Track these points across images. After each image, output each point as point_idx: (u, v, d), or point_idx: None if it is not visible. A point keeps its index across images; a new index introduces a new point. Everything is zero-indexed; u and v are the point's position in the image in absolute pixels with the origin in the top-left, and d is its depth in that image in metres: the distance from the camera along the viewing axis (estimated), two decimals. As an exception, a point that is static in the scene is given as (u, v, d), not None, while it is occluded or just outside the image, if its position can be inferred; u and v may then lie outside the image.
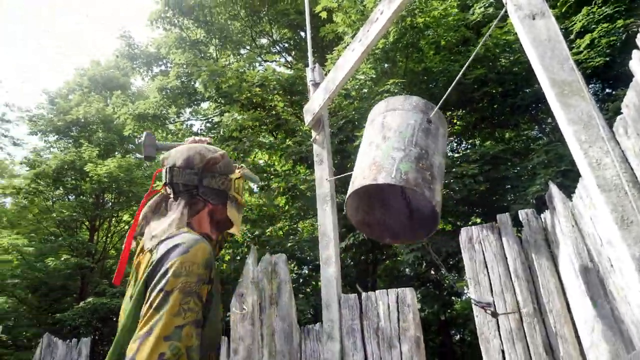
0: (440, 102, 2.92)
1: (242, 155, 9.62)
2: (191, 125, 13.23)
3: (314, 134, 4.11)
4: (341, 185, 9.00)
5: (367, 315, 3.59)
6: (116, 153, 18.62)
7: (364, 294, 3.67)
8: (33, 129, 20.37)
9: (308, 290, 11.25)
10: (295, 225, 11.44)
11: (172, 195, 1.55)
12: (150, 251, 1.37)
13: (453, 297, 8.27)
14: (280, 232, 10.41)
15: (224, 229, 1.64)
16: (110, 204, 19.05)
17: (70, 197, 19.17)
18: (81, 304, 15.13)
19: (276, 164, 10.23)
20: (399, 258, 9.74)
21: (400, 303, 3.53)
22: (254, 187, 11.05)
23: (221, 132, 10.86)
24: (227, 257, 10.05)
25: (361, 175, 2.67)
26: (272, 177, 10.15)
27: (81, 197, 18.38)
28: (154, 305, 1.19)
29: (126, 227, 20.07)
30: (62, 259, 16.67)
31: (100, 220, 19.05)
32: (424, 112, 2.82)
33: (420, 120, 2.75)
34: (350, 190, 2.78)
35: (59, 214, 18.03)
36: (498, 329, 3.33)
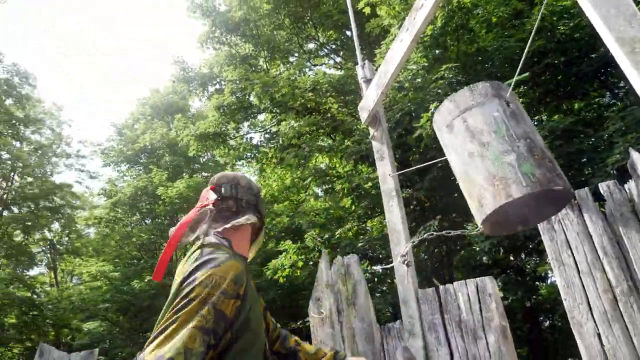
0: (514, 79, 2.75)
1: (302, 161, 9.73)
2: (251, 139, 13.60)
3: (371, 130, 4.06)
4: (406, 180, 8.87)
5: (447, 308, 3.49)
6: (184, 174, 19.43)
7: (442, 287, 3.58)
8: (106, 161, 21.73)
9: (384, 288, 11.16)
10: (363, 225, 11.39)
11: (232, 208, 1.64)
12: (188, 258, 1.44)
13: (537, 282, 7.87)
14: (350, 233, 10.40)
15: (254, 250, 1.79)
16: (184, 223, 19.88)
17: (146, 221, 20.24)
18: (168, 321, 15.91)
19: (337, 166, 10.25)
20: (474, 247, 9.43)
21: (481, 293, 3.41)
22: (319, 191, 11.13)
23: (280, 141, 11.04)
24: (300, 264, 10.17)
25: (490, 195, 2.41)
26: (334, 179, 10.17)
27: (156, 219, 19.37)
28: (175, 308, 1.26)
29: (201, 243, 20.86)
30: (146, 280, 17.62)
31: (176, 240, 19.92)
32: (497, 96, 2.62)
33: (501, 107, 2.55)
34: (481, 215, 2.50)
35: (138, 238, 19.09)
36: (590, 310, 3.14)
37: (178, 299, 1.28)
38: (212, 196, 1.66)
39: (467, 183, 2.63)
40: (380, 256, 9.82)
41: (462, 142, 2.61)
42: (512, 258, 9.90)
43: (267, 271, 10.86)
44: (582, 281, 3.24)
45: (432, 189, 7.97)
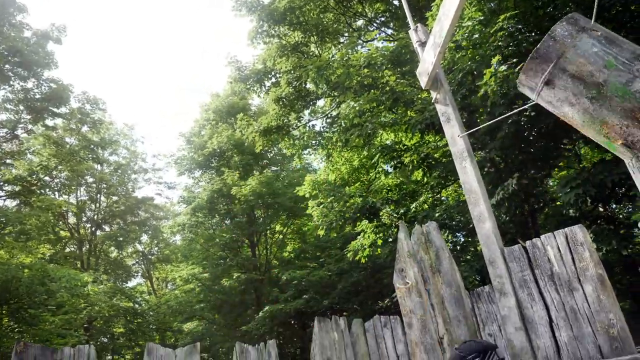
0: (595, 8, 2.52)
1: (367, 140, 9.65)
2: (313, 126, 13.68)
3: (433, 94, 3.97)
4: (476, 142, 8.56)
5: (537, 263, 3.36)
6: (254, 171, 19.97)
7: (528, 242, 3.44)
8: (180, 170, 22.82)
9: (468, 257, 10.90)
10: (438, 196, 11.16)
11: None
12: None
13: (633, 230, 7.31)
14: (425, 205, 10.23)
15: None
16: (261, 219, 20.51)
17: (226, 221, 21.07)
18: (260, 313, 16.53)
19: (403, 139, 10.08)
20: (558, 202, 8.95)
21: (572, 243, 3.24)
22: (388, 167, 10.99)
23: (342, 124, 11.01)
24: (379, 242, 10.15)
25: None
26: (402, 153, 9.99)
27: (235, 218, 20.09)
28: None
29: (280, 236, 21.45)
30: (234, 277, 18.39)
31: (256, 235, 20.61)
32: (582, 30, 2.37)
33: (594, 40, 2.32)
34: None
35: (220, 238, 19.93)
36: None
37: None
38: None
39: (600, 130, 2.48)
40: (460, 224, 9.57)
41: (574, 92, 2.43)
42: (601, 208, 9.31)
43: (348, 253, 10.94)
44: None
45: (505, 148, 7.62)
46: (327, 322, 5.94)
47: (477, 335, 3.82)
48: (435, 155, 8.83)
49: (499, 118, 3.72)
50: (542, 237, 3.39)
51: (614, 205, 8.84)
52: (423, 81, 4.01)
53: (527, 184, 7.63)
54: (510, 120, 7.04)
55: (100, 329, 20.43)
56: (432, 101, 4.03)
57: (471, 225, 9.26)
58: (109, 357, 21.75)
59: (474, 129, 3.70)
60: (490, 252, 3.52)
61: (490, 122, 3.86)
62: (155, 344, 4.40)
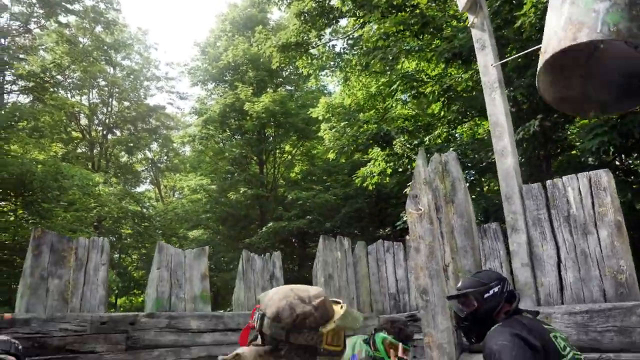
0: None
1: (389, 65, 9.29)
2: (333, 46, 13.18)
3: (470, 17, 3.74)
4: (504, 77, 8.26)
5: (554, 203, 3.33)
6: (268, 89, 19.64)
7: (549, 182, 3.39)
8: (193, 81, 22.46)
9: (473, 196, 10.91)
10: (453, 131, 10.97)
11: (262, 341, 1.48)
12: None
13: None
14: (439, 140, 10.10)
15: None
16: (271, 137, 20.48)
17: (236, 137, 21.07)
18: (264, 228, 16.98)
19: (426, 68, 9.72)
20: (577, 148, 8.80)
21: (594, 187, 3.18)
22: (405, 97, 10.72)
23: (364, 47, 10.61)
24: (388, 171, 10.13)
25: (555, 39, 2.25)
26: (423, 83, 9.69)
27: (245, 135, 20.06)
28: None
29: (289, 157, 21.52)
30: (241, 191, 18.66)
31: (265, 153, 20.68)
32: None
33: None
34: (541, 61, 2.39)
35: (230, 153, 20.01)
36: None
37: None
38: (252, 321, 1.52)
39: (545, 34, 2.39)
40: (473, 162, 9.50)
41: None
42: (619, 162, 9.15)
43: (356, 179, 10.97)
44: None
45: (532, 86, 7.35)
46: (332, 241, 6.07)
47: (481, 267, 3.88)
48: (457, 88, 8.54)
49: (534, 48, 3.50)
50: (564, 178, 3.33)
51: (635, 158, 8.66)
52: (461, 2, 3.77)
53: (549, 126, 7.43)
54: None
55: (109, 228, 21.12)
56: (469, 25, 3.81)
57: (483, 164, 9.20)
58: (116, 255, 22.69)
59: (510, 58, 3.53)
60: (508, 188, 3.48)
61: (527, 50, 3.66)
62: (166, 243, 4.52)
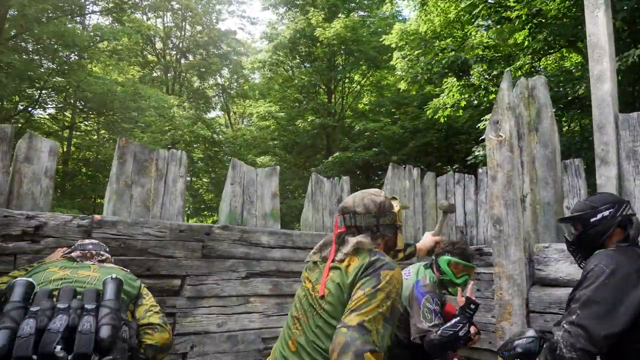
0: None
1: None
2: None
3: None
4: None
5: (655, 135, 3.04)
6: (340, 14, 19.00)
7: (650, 111, 3.09)
8: (265, 4, 22.10)
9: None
10: (537, 63, 10.20)
11: (354, 234, 1.92)
12: (358, 256, 1.83)
13: None
14: (520, 72, 9.45)
15: (389, 252, 2.04)
16: (341, 66, 20.07)
17: (306, 64, 20.83)
18: (330, 158, 17.10)
19: (513, -11, 8.91)
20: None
21: None
22: (489, 23, 9.93)
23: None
24: (462, 103, 9.69)
25: None
26: (508, 9, 8.91)
27: (315, 62, 19.77)
28: (368, 293, 1.67)
29: (358, 87, 21.12)
30: (309, 120, 18.72)
31: (334, 82, 20.40)
32: None
33: None
34: None
35: (299, 80, 19.90)
36: None
37: (368, 288, 1.69)
38: (341, 224, 1.98)
39: None
40: (556, 96, 8.85)
41: None
42: None
43: (428, 111, 10.62)
44: None
45: (637, 10, 6.58)
46: (401, 169, 6.00)
47: (562, 201, 3.70)
48: (547, 14, 7.79)
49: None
50: (670, 107, 3.02)
51: None
52: None
53: (650, 57, 6.71)
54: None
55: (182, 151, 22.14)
56: None
57: (569, 98, 8.54)
58: (188, 178, 23.88)
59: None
60: (602, 117, 3.21)
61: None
62: (240, 161, 4.64)
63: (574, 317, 1.77)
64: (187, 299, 3.68)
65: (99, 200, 17.62)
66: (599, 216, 1.97)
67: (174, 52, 24.53)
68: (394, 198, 2.10)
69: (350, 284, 1.76)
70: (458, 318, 2.87)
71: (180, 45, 24.46)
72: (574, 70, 9.11)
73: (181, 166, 4.22)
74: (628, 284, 1.72)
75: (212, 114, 27.71)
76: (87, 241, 2.71)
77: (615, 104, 3.23)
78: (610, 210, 1.96)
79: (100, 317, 1.88)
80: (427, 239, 3.06)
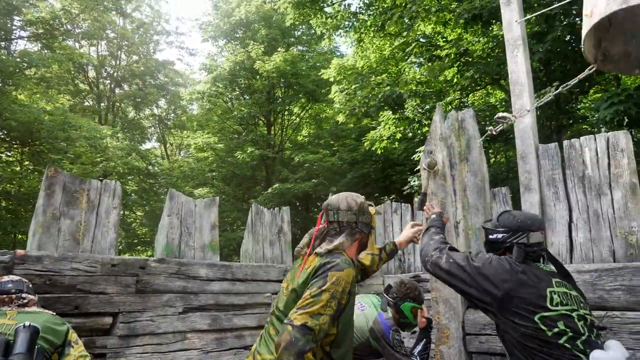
0: None
1: (405, 26, 9.05)
2: (349, 5, 12.83)
3: (497, -30, 3.62)
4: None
5: (570, 164, 3.30)
6: (279, 48, 19.35)
7: (566, 142, 3.36)
8: (204, 36, 22.12)
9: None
10: (465, 99, 10.85)
11: (336, 229, 2.15)
12: (319, 255, 2.02)
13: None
14: (450, 107, 10.00)
15: (361, 251, 2.30)
16: (280, 99, 20.30)
17: (245, 96, 20.90)
18: (269, 190, 17.05)
19: (443, 32, 9.49)
20: (588, 121, 8.70)
21: (612, 148, 3.15)
22: (421, 60, 10.48)
23: (380, 8, 10.35)
24: (398, 136, 10.08)
25: (603, 2, 2.17)
26: (439, 48, 9.48)
27: (254, 94, 19.89)
28: (313, 294, 1.85)
29: (297, 119, 21.41)
30: (248, 151, 18.65)
31: (274, 114, 20.56)
32: None
33: None
34: (588, 25, 2.32)
35: (238, 112, 19.90)
36: None
37: (315, 288, 1.87)
38: (323, 220, 2.20)
39: (588, 1, 2.32)
40: (483, 131, 9.41)
41: None
42: (631, 135, 9.05)
43: (365, 142, 10.92)
44: None
45: (552, 53, 7.21)
46: (340, 199, 6.09)
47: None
48: (473, 54, 8.36)
49: (559, 4, 3.42)
50: (582, 138, 3.30)
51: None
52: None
53: (564, 96, 7.33)
54: (565, 22, 6.58)
55: (116, 181, 21.25)
56: (495, -20, 3.69)
57: (495, 132, 9.07)
58: (121, 212, 22.89)
59: (537, 13, 3.42)
60: (524, 147, 3.45)
61: (554, 6, 3.57)
62: (177, 191, 4.54)
63: None
64: (119, 338, 3.49)
65: (19, 237, 16.45)
66: (494, 236, 2.27)
67: (108, 82, 23.81)
68: (371, 204, 2.31)
69: (303, 283, 1.96)
70: (424, 340, 3.21)
71: (115, 74, 23.82)
72: (498, 106, 9.76)
73: (115, 197, 4.07)
74: (507, 269, 2.09)
75: (147, 145, 26.97)
76: (5, 278, 2.47)
77: (535, 135, 3.49)
78: (504, 235, 2.23)
79: None
80: (406, 231, 3.09)
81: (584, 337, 1.95)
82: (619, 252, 3.00)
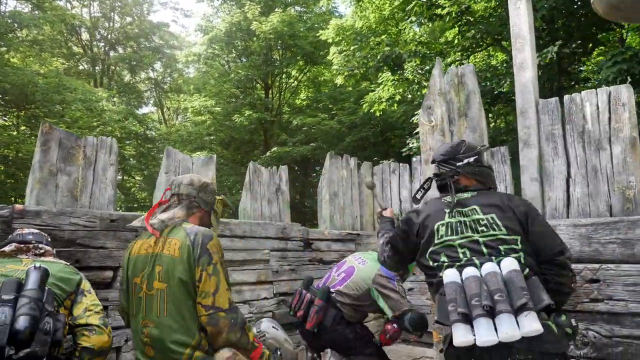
0: None
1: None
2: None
3: None
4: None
5: (570, 118, 3.27)
6: (276, 9, 18.90)
7: (566, 96, 3.32)
8: (200, -4, 21.55)
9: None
10: (466, 60, 10.68)
11: (176, 202, 2.26)
12: (157, 228, 2.11)
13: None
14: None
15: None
16: (278, 61, 19.97)
17: (242, 59, 20.53)
18: (267, 153, 16.99)
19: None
20: (591, 82, 8.59)
21: (613, 102, 3.12)
22: (421, 20, 10.23)
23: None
24: (397, 97, 9.96)
25: None
26: (439, 7, 9.25)
27: (252, 56, 19.54)
28: (211, 272, 1.96)
29: (295, 82, 21.14)
30: (246, 115, 18.48)
31: (271, 77, 20.26)
32: None
33: None
34: None
35: (235, 74, 19.59)
36: None
37: (209, 265, 1.98)
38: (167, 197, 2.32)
39: None
40: (484, 91, 9.30)
41: None
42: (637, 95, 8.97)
43: (364, 105, 10.81)
44: None
45: (555, 9, 7.05)
46: (338, 159, 6.08)
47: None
48: (475, 13, 8.15)
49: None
50: (583, 92, 3.26)
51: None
52: None
53: (566, 55, 7.21)
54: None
55: (112, 137, 21.12)
56: None
57: (495, 92, 9.02)
58: (120, 177, 22.82)
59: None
60: (524, 102, 3.41)
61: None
62: (174, 149, 4.51)
63: None
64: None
65: (19, 201, 16.46)
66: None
67: (102, 44, 23.35)
68: (224, 197, 2.49)
69: (189, 267, 1.99)
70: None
71: (109, 36, 23.33)
72: (499, 67, 9.62)
73: (111, 154, 4.04)
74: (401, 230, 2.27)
75: (144, 110, 26.67)
76: (26, 231, 2.48)
77: (536, 90, 3.45)
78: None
79: (18, 308, 1.75)
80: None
81: (460, 263, 1.89)
82: (615, 207, 3.02)
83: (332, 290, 3.42)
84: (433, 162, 2.30)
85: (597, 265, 2.84)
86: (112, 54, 23.52)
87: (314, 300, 3.35)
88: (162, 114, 28.06)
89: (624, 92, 3.07)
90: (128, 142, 21.19)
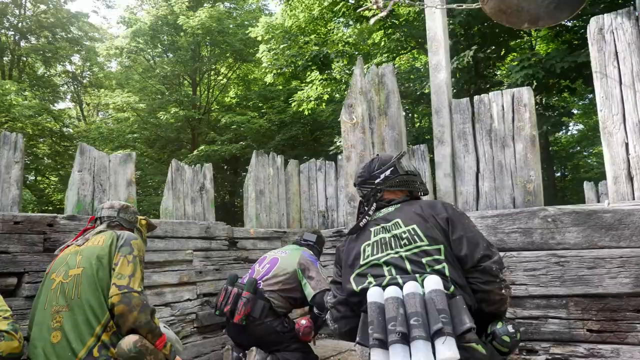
0: None
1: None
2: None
3: None
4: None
5: (479, 118, 3.48)
6: (205, 4, 18.48)
7: (476, 97, 3.53)
8: (123, -13, 20.62)
9: (407, 128, 11.20)
10: (392, 62, 11.04)
11: (100, 223, 2.59)
12: (104, 235, 2.38)
13: (564, 118, 7.71)
14: (376, 69, 10.12)
15: None
16: (206, 58, 19.53)
17: (168, 54, 19.87)
18: (195, 152, 16.57)
19: (369, -9, 9.44)
20: (504, 85, 9.18)
21: (516, 103, 3.36)
22: (350, 23, 10.44)
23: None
24: (325, 97, 10.10)
25: None
26: (367, 9, 9.47)
27: (178, 51, 18.96)
28: (130, 260, 2.20)
29: (224, 80, 20.76)
30: (172, 112, 17.90)
31: (199, 74, 19.78)
32: None
33: None
34: None
35: (161, 70, 18.93)
36: (624, 122, 3.09)
37: (130, 256, 2.23)
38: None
39: None
40: (407, 92, 9.67)
41: None
42: (538, 100, 9.68)
43: (293, 104, 10.86)
44: (622, 93, 3.14)
45: (471, 16, 7.45)
46: (265, 157, 6.07)
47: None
48: (400, 18, 8.44)
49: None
50: (490, 94, 3.48)
51: (554, 95, 9.20)
52: None
53: (482, 58, 7.66)
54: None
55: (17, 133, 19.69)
56: None
57: (418, 93, 9.40)
58: (32, 177, 21.29)
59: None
60: (438, 102, 3.58)
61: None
62: (89, 146, 4.29)
63: None
64: (26, 299, 3.30)
65: None
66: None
67: (11, 33, 21.64)
68: (147, 218, 2.91)
69: (109, 252, 2.25)
70: None
71: (20, 25, 21.67)
72: (422, 70, 10.03)
73: (16, 151, 3.78)
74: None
75: (61, 105, 25.05)
76: None
77: (449, 90, 3.63)
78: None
79: None
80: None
81: (384, 283, 1.78)
82: (518, 199, 3.26)
83: (259, 281, 3.43)
84: (355, 186, 2.24)
85: (502, 254, 3.04)
86: (23, 44, 21.87)
87: (241, 294, 3.35)
88: (81, 110, 26.50)
89: (525, 93, 3.32)
90: (42, 139, 19.85)
